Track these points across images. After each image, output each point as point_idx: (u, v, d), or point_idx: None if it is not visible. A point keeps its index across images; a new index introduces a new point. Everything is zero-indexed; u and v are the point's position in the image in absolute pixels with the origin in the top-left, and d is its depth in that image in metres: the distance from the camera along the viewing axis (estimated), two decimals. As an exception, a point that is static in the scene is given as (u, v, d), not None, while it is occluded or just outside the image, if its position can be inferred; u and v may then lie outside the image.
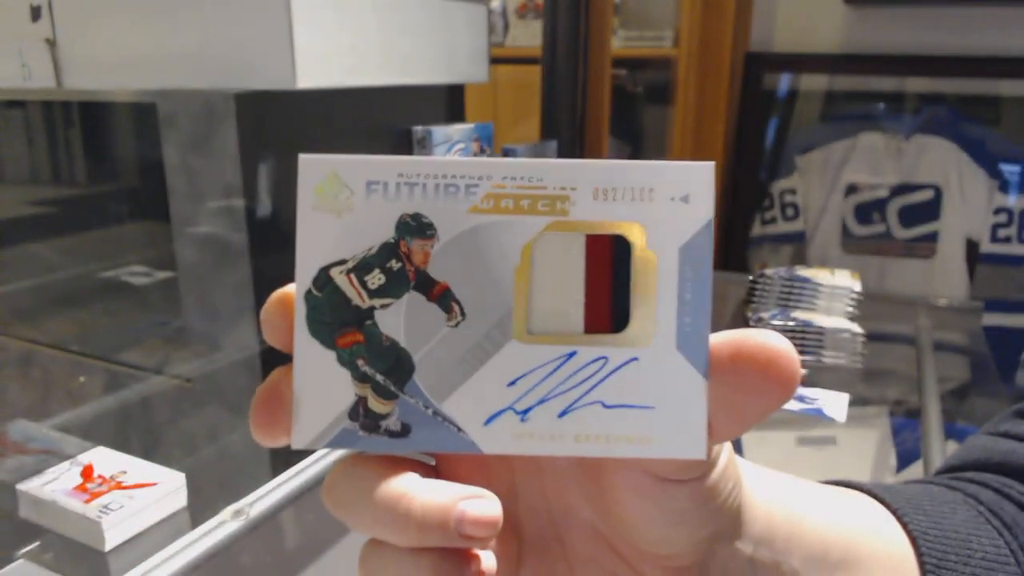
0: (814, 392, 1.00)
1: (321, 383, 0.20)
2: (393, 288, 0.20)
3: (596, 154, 1.61)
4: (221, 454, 0.94)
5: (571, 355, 0.20)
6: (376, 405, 0.21)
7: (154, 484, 0.71)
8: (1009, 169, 1.93)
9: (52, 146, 1.16)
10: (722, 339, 0.20)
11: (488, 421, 0.20)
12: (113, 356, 1.07)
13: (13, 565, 0.66)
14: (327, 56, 0.92)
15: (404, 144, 1.12)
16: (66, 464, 0.74)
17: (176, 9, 0.91)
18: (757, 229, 2.18)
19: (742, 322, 1.15)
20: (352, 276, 0.20)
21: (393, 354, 0.21)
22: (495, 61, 1.32)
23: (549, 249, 0.20)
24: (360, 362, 0.21)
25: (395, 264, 0.20)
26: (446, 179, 0.20)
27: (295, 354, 0.21)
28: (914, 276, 2.02)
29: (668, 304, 0.20)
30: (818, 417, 0.96)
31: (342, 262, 0.20)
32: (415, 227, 0.20)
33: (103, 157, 1.15)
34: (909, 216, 2.01)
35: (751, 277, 1.22)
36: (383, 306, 0.21)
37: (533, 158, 0.20)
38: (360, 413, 0.21)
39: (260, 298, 0.91)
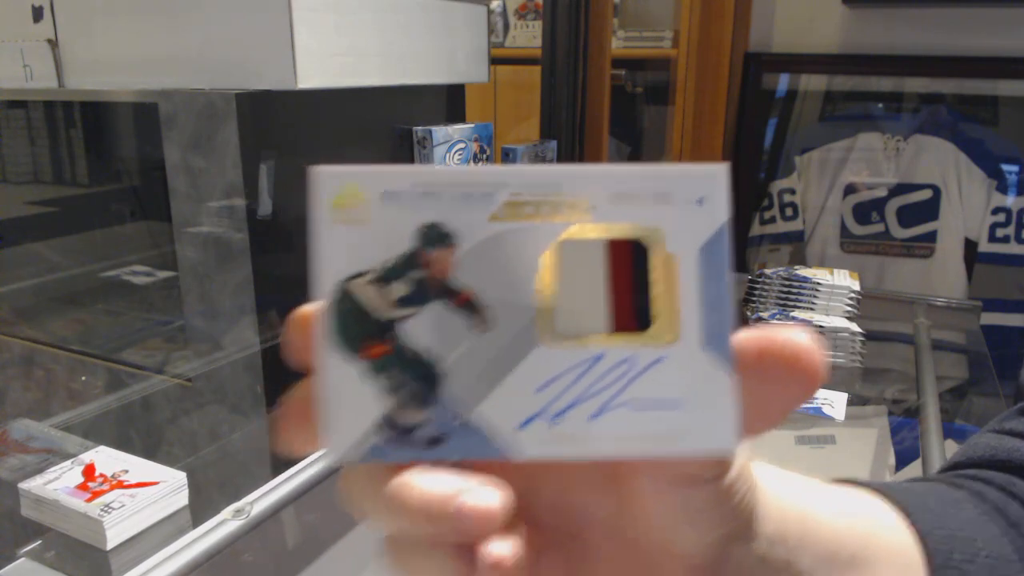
0: (813, 391, 1.00)
1: (347, 398, 0.20)
2: (416, 298, 0.20)
3: (596, 154, 1.61)
4: (222, 453, 0.95)
5: (599, 358, 0.20)
6: (405, 417, 0.20)
7: (155, 483, 0.71)
8: (1007, 169, 1.93)
9: (54, 146, 1.16)
10: (748, 337, 0.21)
11: (519, 428, 0.20)
12: (114, 356, 1.07)
13: (15, 563, 0.66)
14: (328, 56, 0.93)
15: (405, 144, 1.13)
16: (68, 463, 0.74)
17: (177, 10, 0.92)
18: (756, 229, 2.18)
19: (741, 322, 1.15)
20: (373, 288, 0.20)
21: (419, 365, 0.20)
22: (495, 61, 1.32)
23: (571, 253, 0.20)
24: (386, 375, 0.20)
25: (416, 274, 0.20)
26: (463, 188, 0.20)
27: (318, 370, 0.20)
28: (913, 276, 2.02)
29: (692, 303, 0.20)
30: (817, 416, 0.97)
31: (362, 274, 0.20)
32: (435, 236, 0.20)
33: (105, 157, 1.15)
34: (907, 216, 2.01)
35: (750, 277, 1.22)
36: (406, 317, 0.20)
37: (549, 164, 0.20)
38: (389, 426, 0.20)
39: (261, 298, 0.92)
